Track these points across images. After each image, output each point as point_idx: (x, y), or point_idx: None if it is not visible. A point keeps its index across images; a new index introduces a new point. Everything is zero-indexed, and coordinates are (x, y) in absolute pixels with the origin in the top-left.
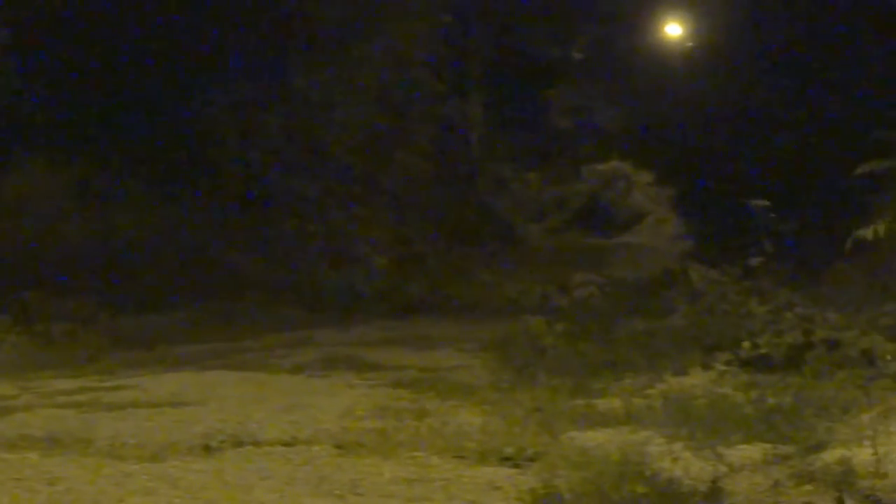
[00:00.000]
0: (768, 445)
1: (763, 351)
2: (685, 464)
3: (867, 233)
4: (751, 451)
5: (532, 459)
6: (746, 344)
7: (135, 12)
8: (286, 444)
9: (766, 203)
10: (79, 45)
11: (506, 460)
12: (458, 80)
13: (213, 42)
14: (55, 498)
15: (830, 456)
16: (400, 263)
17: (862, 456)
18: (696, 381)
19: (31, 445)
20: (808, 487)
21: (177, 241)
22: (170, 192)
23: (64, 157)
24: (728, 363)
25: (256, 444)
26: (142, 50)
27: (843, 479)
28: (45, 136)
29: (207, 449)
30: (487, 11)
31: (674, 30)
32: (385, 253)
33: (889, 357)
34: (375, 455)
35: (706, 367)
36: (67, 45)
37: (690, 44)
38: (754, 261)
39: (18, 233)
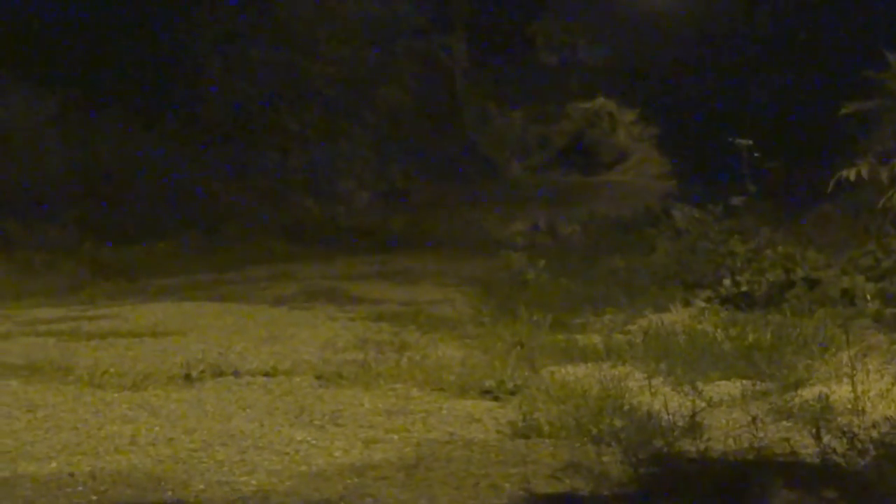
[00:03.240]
0: (747, 382)
1: (744, 289)
2: (664, 399)
3: (850, 173)
4: (730, 388)
5: (512, 393)
6: (727, 281)
7: None
8: (266, 375)
9: (750, 142)
10: None
11: (485, 393)
12: (442, 14)
13: None
14: (35, 424)
15: (809, 393)
16: (382, 199)
17: (840, 393)
18: (676, 317)
19: (11, 373)
20: (787, 423)
21: (159, 172)
22: (152, 122)
23: (45, 87)
24: (709, 300)
25: (237, 373)
26: None
27: (822, 415)
28: (26, 65)
29: (188, 378)
30: None
31: None
32: (367, 188)
33: (868, 297)
34: (355, 387)
35: (687, 304)
36: None
37: None
38: (737, 200)
39: None
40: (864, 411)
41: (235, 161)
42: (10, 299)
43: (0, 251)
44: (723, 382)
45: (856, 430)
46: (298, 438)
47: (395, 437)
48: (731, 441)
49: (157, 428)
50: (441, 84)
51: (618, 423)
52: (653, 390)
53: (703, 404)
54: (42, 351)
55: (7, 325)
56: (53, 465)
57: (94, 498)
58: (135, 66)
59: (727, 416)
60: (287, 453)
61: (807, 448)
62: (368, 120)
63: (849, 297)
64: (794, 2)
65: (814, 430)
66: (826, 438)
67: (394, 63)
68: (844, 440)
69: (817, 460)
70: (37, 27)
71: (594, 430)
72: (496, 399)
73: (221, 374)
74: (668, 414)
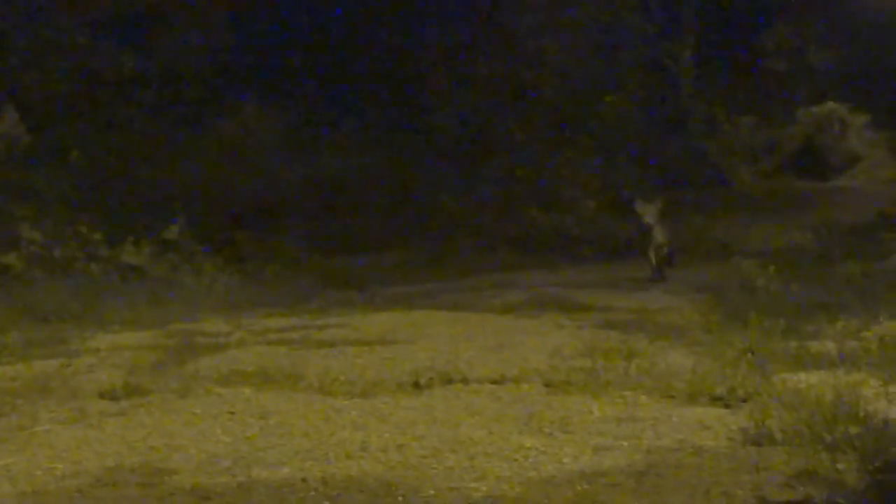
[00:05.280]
0: None
1: None
2: None
3: None
4: None
5: (743, 400)
6: None
7: None
8: (495, 382)
9: None
10: None
11: (716, 400)
12: (669, 22)
13: None
14: (267, 431)
15: None
16: (609, 207)
17: None
18: None
19: (244, 381)
20: None
21: (387, 184)
22: (380, 136)
23: (276, 103)
24: None
25: (465, 381)
26: None
27: None
28: (258, 83)
29: (416, 386)
30: None
31: None
32: (594, 197)
33: None
34: (584, 394)
35: None
36: None
37: None
38: None
39: (232, 176)
40: None
41: (462, 172)
42: (241, 309)
43: (232, 263)
44: None
45: None
46: (527, 445)
47: (625, 443)
48: None
49: (386, 434)
50: (668, 92)
51: (853, 430)
52: (890, 397)
53: None
54: (273, 359)
55: (239, 335)
56: (286, 470)
57: (327, 503)
58: (363, 82)
59: None
60: (516, 460)
61: None
62: (594, 129)
63: None
64: None
65: None
66: None
67: (620, 72)
68: None
69: None
70: (267, 45)
71: (828, 438)
72: (727, 406)
73: (450, 381)
74: None
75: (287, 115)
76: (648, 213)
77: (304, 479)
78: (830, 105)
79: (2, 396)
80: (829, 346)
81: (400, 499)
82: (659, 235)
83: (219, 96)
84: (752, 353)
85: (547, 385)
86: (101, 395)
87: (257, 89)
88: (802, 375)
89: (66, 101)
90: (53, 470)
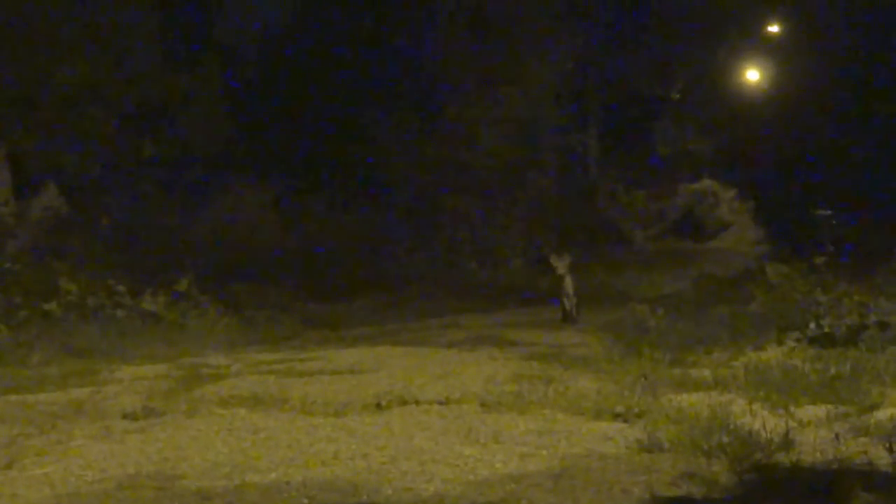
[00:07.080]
0: (831, 406)
1: (826, 331)
2: (762, 420)
3: None
4: (816, 411)
5: (638, 416)
6: (812, 325)
7: (319, 68)
8: (441, 403)
9: (829, 212)
10: (276, 95)
11: (616, 416)
12: (579, 115)
13: (386, 88)
14: (258, 443)
15: (883, 414)
16: (531, 263)
17: None
18: (771, 355)
19: (240, 403)
20: (864, 439)
21: (355, 244)
22: (349, 205)
23: (265, 180)
24: (797, 340)
25: (417, 402)
26: (327, 95)
27: (894, 432)
28: (251, 165)
29: (378, 406)
30: (602, 60)
31: (753, 75)
32: (519, 255)
33: None
34: (512, 412)
35: (780, 343)
36: (267, 95)
37: (766, 86)
38: (819, 259)
39: (230, 240)
40: None
41: (415, 235)
42: (238, 347)
43: (231, 309)
44: (810, 407)
45: None
46: (467, 453)
47: (545, 452)
48: (818, 454)
49: (354, 446)
50: (578, 170)
51: (725, 439)
52: (753, 413)
53: (795, 424)
54: (264, 386)
55: (237, 366)
56: (273, 475)
57: (306, 501)
58: (336, 162)
59: (814, 433)
60: (458, 465)
61: (881, 459)
62: (520, 200)
63: None
64: (866, 101)
65: (887, 445)
66: None
67: (540, 154)
68: None
69: (890, 469)
70: (259, 136)
71: (705, 446)
72: (625, 421)
73: (405, 402)
74: (766, 432)
75: (272, 191)
76: (560, 266)
77: (287, 483)
78: (705, 182)
79: (44, 417)
80: (706, 373)
81: (364, 497)
82: (569, 284)
83: (219, 175)
84: (645, 379)
85: (482, 405)
86: (124, 416)
87: (250, 169)
88: (685, 396)
89: (97, 179)
90: (84, 476)
